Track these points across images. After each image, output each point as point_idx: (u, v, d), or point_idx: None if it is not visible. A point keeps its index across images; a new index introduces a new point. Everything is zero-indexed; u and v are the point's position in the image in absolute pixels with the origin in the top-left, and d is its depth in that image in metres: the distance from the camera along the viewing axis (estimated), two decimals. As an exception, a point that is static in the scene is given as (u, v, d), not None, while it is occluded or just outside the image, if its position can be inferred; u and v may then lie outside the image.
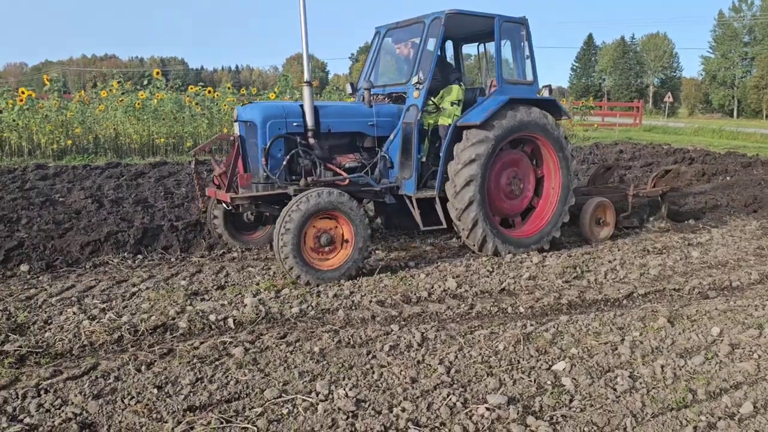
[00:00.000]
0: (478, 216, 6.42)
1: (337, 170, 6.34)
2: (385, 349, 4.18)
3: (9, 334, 4.30)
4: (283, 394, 3.53)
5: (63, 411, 3.31)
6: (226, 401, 3.47)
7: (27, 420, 3.23)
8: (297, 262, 5.44)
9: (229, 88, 17.91)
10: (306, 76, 5.97)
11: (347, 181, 6.28)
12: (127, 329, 4.42)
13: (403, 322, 4.74)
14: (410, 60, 6.92)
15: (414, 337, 4.36)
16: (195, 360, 3.96)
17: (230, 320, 4.68)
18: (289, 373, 3.81)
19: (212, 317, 4.70)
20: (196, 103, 16.01)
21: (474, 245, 6.59)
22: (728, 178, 12.70)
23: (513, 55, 7.16)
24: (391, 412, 3.37)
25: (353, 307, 5.05)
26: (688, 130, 28.74)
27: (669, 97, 43.49)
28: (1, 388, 3.55)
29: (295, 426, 3.22)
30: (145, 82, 16.07)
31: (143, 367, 3.85)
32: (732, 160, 15.00)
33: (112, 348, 4.21)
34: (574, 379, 3.78)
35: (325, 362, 3.97)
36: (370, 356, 4.08)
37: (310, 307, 5.01)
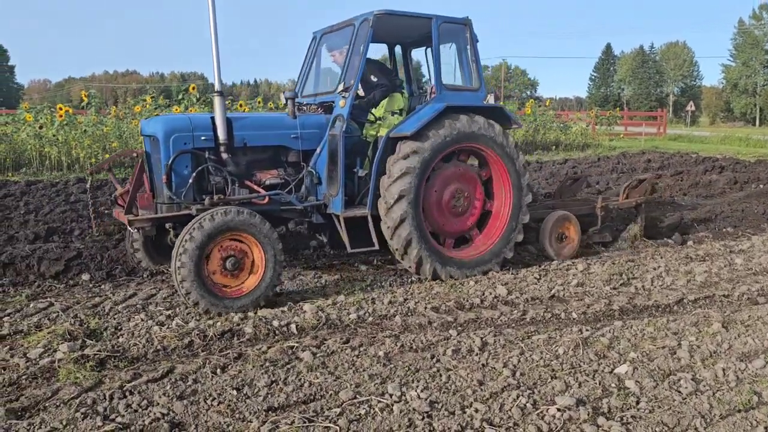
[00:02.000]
0: (412, 235, 5.85)
1: (255, 188, 5.79)
2: (448, 353, 4.29)
3: (85, 339, 4.48)
4: (357, 396, 3.66)
5: (151, 411, 3.47)
6: (304, 402, 3.61)
7: (119, 419, 3.38)
8: (195, 287, 4.94)
9: (259, 103, 18.24)
10: (217, 86, 5.45)
11: (266, 200, 5.72)
12: (197, 334, 4.58)
13: (459, 328, 4.85)
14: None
15: (474, 342, 4.47)
16: (267, 363, 4.10)
17: (293, 326, 4.83)
18: (359, 375, 3.94)
19: (275, 323, 4.86)
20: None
21: (410, 267, 6.03)
22: (761, 186, 12.67)
23: (459, 59, 6.63)
24: (465, 412, 3.48)
25: (409, 314, 5.18)
26: (714, 138, 28.60)
27: (691, 106, 43.30)
28: (88, 389, 3.71)
29: (374, 425, 3.34)
30: (180, 97, 16.43)
31: (218, 370, 4.00)
32: (763, 168, 14.96)
33: (184, 352, 4.37)
34: (638, 381, 3.87)
35: (391, 365, 4.09)
36: (435, 360, 4.20)
37: (367, 314, 5.15)
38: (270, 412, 3.48)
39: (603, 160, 17.05)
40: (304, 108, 6.52)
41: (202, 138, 5.56)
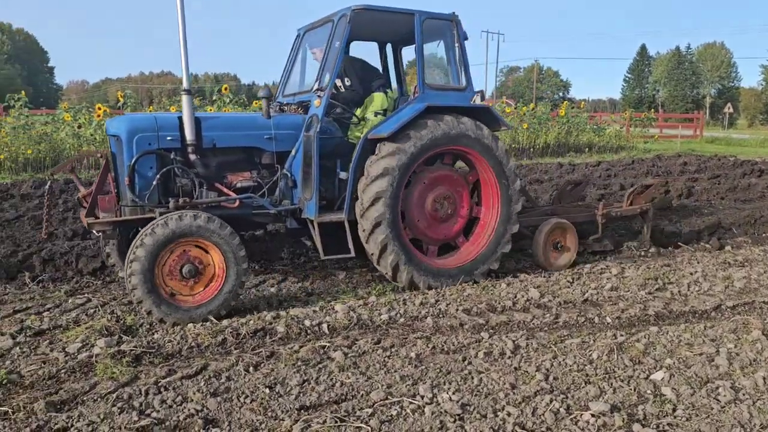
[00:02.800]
0: (388, 239, 5.56)
1: (225, 191, 5.57)
2: (480, 355, 4.26)
3: (122, 335, 4.57)
4: (389, 396, 3.66)
5: (185, 407, 3.52)
6: (335, 402, 3.62)
7: (154, 414, 3.44)
8: (147, 295, 4.73)
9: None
10: (185, 84, 5.26)
11: (237, 203, 5.50)
12: (230, 332, 4.63)
13: (491, 330, 4.82)
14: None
15: (506, 345, 4.43)
16: (299, 362, 4.13)
17: (324, 326, 4.85)
18: (391, 376, 3.94)
19: (307, 322, 4.88)
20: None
21: (387, 273, 5.74)
22: (804, 190, 12.29)
23: (447, 57, 6.30)
24: (497, 416, 3.45)
25: (440, 315, 5.16)
26: (753, 141, 27.91)
27: (729, 108, 42.28)
28: (124, 384, 3.79)
29: (406, 427, 3.34)
30: (214, 98, 16.66)
31: (251, 368, 4.04)
32: (805, 172, 14.51)
33: (218, 350, 4.43)
34: (674, 388, 3.79)
35: (423, 367, 4.08)
36: (466, 362, 4.17)
37: (398, 315, 5.14)
38: (302, 410, 3.50)
39: (637, 163, 16.76)
40: (286, 108, 6.28)
41: (168, 138, 5.32)
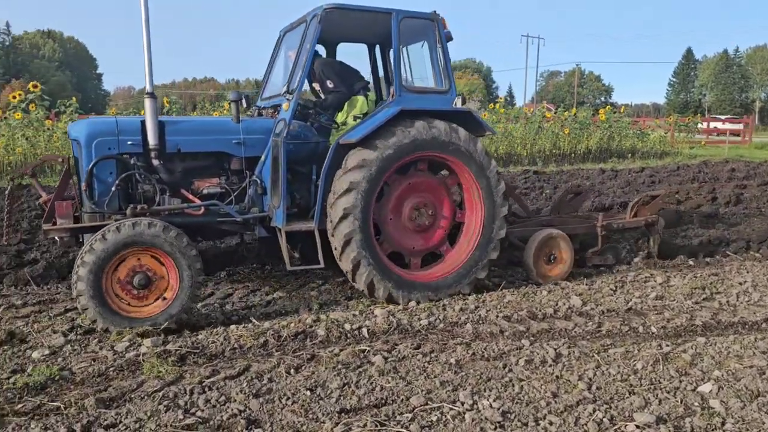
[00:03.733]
0: (361, 256, 5.32)
1: (190, 197, 5.39)
2: (521, 363, 4.23)
3: (167, 335, 4.68)
4: (429, 402, 3.65)
5: (228, 407, 3.58)
6: (375, 406, 3.63)
7: (198, 414, 3.51)
8: (93, 304, 4.56)
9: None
10: (148, 87, 5.08)
11: (202, 210, 5.32)
12: (271, 335, 4.70)
13: (532, 338, 4.77)
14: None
15: (547, 353, 4.38)
16: (339, 366, 4.16)
17: (364, 330, 4.87)
18: (431, 382, 3.94)
19: (347, 326, 4.92)
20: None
21: (363, 290, 5.49)
22: None
23: (431, 58, 5.99)
24: (538, 424, 3.41)
25: (480, 322, 5.13)
26: (806, 147, 26.89)
27: (780, 113, 40.91)
28: (170, 383, 3.87)
29: (446, 433, 3.33)
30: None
31: (292, 371, 4.09)
32: None
33: (260, 351, 4.49)
34: (723, 401, 3.68)
35: (463, 373, 4.07)
36: (507, 369, 4.14)
37: (438, 320, 5.14)
38: (342, 414, 3.53)
39: (683, 169, 16.36)
40: (263, 112, 6.10)
41: (129, 143, 5.15)
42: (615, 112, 23.94)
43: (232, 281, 6.32)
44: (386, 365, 4.17)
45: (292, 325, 4.92)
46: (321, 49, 6.69)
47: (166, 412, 3.50)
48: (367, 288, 5.43)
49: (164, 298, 4.83)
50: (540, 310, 5.39)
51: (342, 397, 3.72)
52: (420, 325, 5.03)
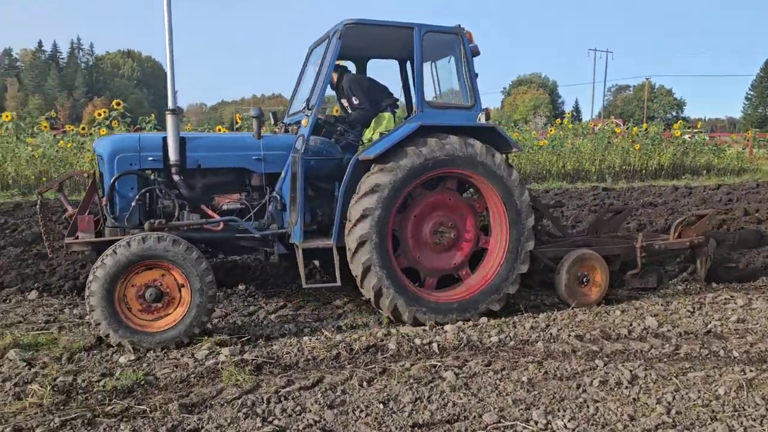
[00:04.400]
0: (372, 261, 5.20)
1: (209, 213, 5.42)
2: (595, 384, 4.15)
3: (243, 345, 4.84)
4: (501, 420, 3.64)
5: (304, 417, 3.67)
6: (448, 421, 3.64)
7: (276, 422, 3.62)
8: (105, 317, 4.58)
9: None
10: (170, 104, 5.20)
11: (221, 226, 5.34)
12: (344, 347, 4.79)
13: (606, 359, 4.67)
14: (332, 85, 6.18)
15: (623, 374, 4.28)
16: (411, 380, 4.19)
17: (434, 345, 4.90)
18: (503, 400, 3.92)
19: (417, 341, 4.96)
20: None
21: (369, 297, 5.36)
22: None
23: (458, 73, 5.86)
24: (615, 447, 3.34)
25: (551, 340, 5.06)
26: None
27: None
28: (248, 391, 4.01)
29: (520, 452, 3.31)
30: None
31: (365, 383, 4.15)
32: None
33: (332, 363, 4.58)
34: (815, 432, 3.51)
35: (535, 392, 4.03)
36: (581, 390, 4.07)
37: (508, 338, 5.10)
38: (415, 428, 3.56)
39: (763, 187, 15.64)
40: (289, 128, 6.14)
41: (150, 159, 5.28)
42: (689, 127, 23.16)
43: (303, 293, 6.46)
44: (457, 381, 4.18)
45: (363, 338, 4.99)
46: (351, 66, 6.79)
47: (245, 420, 3.62)
48: (374, 295, 5.31)
49: (175, 313, 4.82)
50: (613, 331, 5.27)
51: (414, 412, 3.76)
52: (490, 342, 5.01)
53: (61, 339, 4.96)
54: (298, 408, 3.78)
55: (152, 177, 5.34)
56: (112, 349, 4.76)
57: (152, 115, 17.02)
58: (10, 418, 3.61)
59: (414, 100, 5.53)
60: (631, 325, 5.41)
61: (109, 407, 3.76)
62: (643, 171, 20.12)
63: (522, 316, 5.65)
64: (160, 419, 3.61)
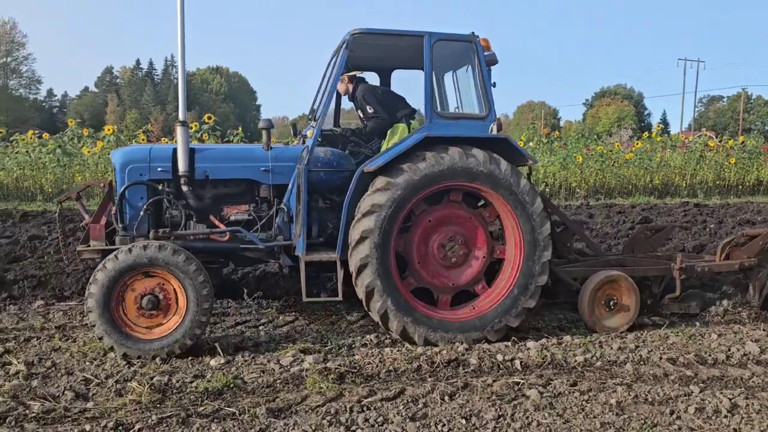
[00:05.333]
0: (375, 284, 5.04)
1: (217, 223, 5.43)
2: (690, 410, 3.95)
3: (326, 354, 4.93)
4: (589, 443, 3.53)
5: (386, 428, 3.70)
6: (532, 441, 3.57)
7: None
8: (101, 321, 4.65)
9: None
10: (181, 116, 5.29)
11: (227, 237, 5.34)
12: (425, 360, 4.79)
13: (702, 384, 4.43)
14: (349, 96, 6.13)
15: (721, 402, 4.06)
16: (493, 396, 4.14)
17: (517, 362, 4.81)
18: (590, 422, 3.80)
19: (499, 357, 4.89)
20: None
21: (378, 320, 5.20)
22: None
23: (475, 82, 5.61)
24: (714, 479, 3.17)
25: (641, 362, 4.86)
26: None
27: None
28: (331, 399, 4.08)
29: (610, 477, 3.19)
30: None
31: (446, 397, 4.13)
32: None
33: (413, 376, 4.59)
34: None
35: (625, 416, 3.88)
36: (674, 416, 3.89)
37: (594, 358, 4.94)
38: (499, 446, 3.50)
39: None
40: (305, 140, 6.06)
41: (159, 169, 5.36)
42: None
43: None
44: (542, 400, 4.08)
45: (444, 351, 4.97)
46: (374, 77, 6.73)
47: (329, 427, 3.69)
48: (381, 319, 5.16)
49: (171, 322, 4.85)
50: (710, 355, 5.00)
51: (497, 429, 3.71)
52: (575, 361, 4.87)
53: (157, 340, 5.22)
54: (381, 419, 3.81)
55: (161, 187, 5.42)
56: (203, 352, 4.96)
57: (239, 128, 17.70)
58: (112, 413, 3.84)
59: (424, 110, 5.41)
60: (729, 350, 5.11)
61: (201, 408, 3.92)
62: (740, 186, 19.05)
63: (608, 336, 5.46)
64: (248, 422, 3.73)
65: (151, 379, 4.31)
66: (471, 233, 5.47)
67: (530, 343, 5.19)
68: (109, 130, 16.53)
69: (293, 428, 3.67)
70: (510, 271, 5.41)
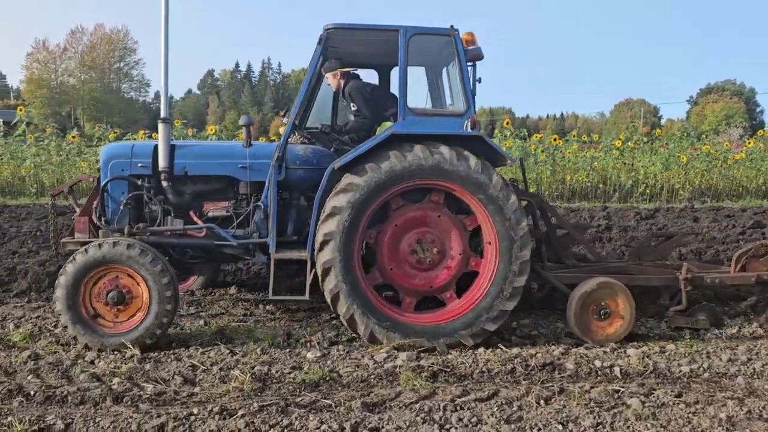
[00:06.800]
0: (340, 287, 4.94)
1: (195, 219, 5.47)
2: (811, 430, 3.67)
3: (420, 352, 4.95)
4: (696, 457, 3.36)
5: (480, 429, 3.68)
6: (634, 452, 3.44)
7: (452, 431, 3.67)
8: (67, 310, 4.80)
9: (574, 136, 18.10)
10: (162, 113, 5.41)
11: (204, 233, 5.38)
12: (519, 362, 4.72)
13: (825, 403, 4.10)
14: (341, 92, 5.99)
15: None
16: (591, 403, 4.02)
17: (616, 369, 4.65)
18: (697, 435, 3.61)
19: (597, 363, 4.74)
20: (542, 151, 16.54)
21: (345, 323, 5.10)
22: None
23: (459, 76, 5.29)
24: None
25: (755, 376, 4.57)
26: None
27: None
28: (424, 397, 4.10)
29: (720, 494, 3.02)
30: (495, 131, 17.24)
31: (542, 401, 4.05)
32: None
33: (507, 378, 4.54)
34: None
35: (736, 432, 3.66)
36: (793, 435, 3.63)
37: (701, 369, 4.69)
38: (598, 454, 3.40)
39: None
40: (305, 138, 6.12)
41: (139, 165, 5.46)
42: None
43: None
44: (644, 410, 3.92)
45: (540, 355, 4.88)
46: (373, 74, 6.61)
47: (422, 425, 3.72)
48: (347, 322, 5.06)
49: (135, 318, 4.95)
50: (834, 372, 4.62)
51: (595, 437, 3.60)
52: (680, 371, 4.64)
53: (257, 331, 5.46)
54: (474, 419, 3.80)
55: (140, 183, 5.53)
56: (299, 344, 5.13)
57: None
58: (217, 398, 4.05)
59: (398, 107, 5.23)
60: None
61: (299, 398, 4.06)
62: None
63: (717, 347, 5.17)
64: (344, 414, 3.82)
65: (253, 368, 4.51)
66: (447, 238, 5.28)
67: (630, 351, 5.00)
68: (211, 129, 17.38)
69: (387, 423, 3.73)
70: (486, 272, 5.20)
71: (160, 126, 5.44)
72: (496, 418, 3.81)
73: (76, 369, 4.49)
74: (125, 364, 4.59)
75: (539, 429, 3.69)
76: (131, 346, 4.81)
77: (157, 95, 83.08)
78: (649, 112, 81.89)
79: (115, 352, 4.82)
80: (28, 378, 4.32)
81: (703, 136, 22.11)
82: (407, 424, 3.72)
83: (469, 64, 5.36)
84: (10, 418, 3.63)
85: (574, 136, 18.39)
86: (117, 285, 4.93)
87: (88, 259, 4.84)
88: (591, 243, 7.14)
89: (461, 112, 5.29)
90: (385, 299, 5.32)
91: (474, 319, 5.10)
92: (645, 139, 18.98)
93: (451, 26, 5.29)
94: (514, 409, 3.95)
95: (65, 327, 4.93)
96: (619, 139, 18.09)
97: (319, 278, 5.08)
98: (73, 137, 16.87)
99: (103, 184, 5.48)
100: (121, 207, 5.43)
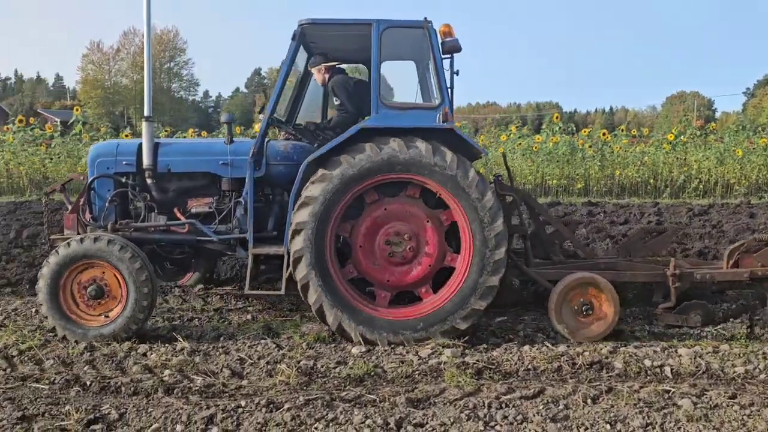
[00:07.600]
0: (309, 277, 4.95)
1: (178, 215, 5.54)
2: None
3: (465, 349, 4.93)
4: (751, 461, 3.25)
5: (526, 427, 3.65)
6: (685, 454, 3.36)
7: (497, 428, 3.65)
8: (48, 305, 4.96)
9: (622, 131, 17.69)
10: (146, 112, 5.45)
11: (186, 229, 5.48)
12: (566, 360, 4.66)
13: None
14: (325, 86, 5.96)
15: None
16: (640, 403, 3.93)
17: (667, 369, 4.54)
18: (753, 439, 3.50)
19: (647, 362, 4.64)
20: (590, 146, 16.24)
21: (315, 313, 5.09)
22: None
23: (433, 68, 5.29)
24: None
25: (815, 378, 4.39)
26: None
27: None
28: (469, 394, 4.09)
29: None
30: (543, 126, 16.99)
31: (589, 401, 3.99)
32: None
33: (553, 376, 4.49)
34: None
35: (795, 436, 3.53)
36: None
37: (757, 370, 4.54)
38: (647, 455, 3.33)
39: None
40: (289, 135, 6.06)
41: (124, 163, 5.58)
42: None
43: (520, 302, 6.40)
44: (695, 411, 3.82)
45: (587, 353, 4.80)
46: (363, 71, 6.55)
47: (467, 421, 3.71)
48: (317, 312, 5.07)
49: (114, 311, 5.08)
50: None
51: (645, 438, 3.52)
52: (734, 372, 4.50)
53: (303, 326, 5.54)
54: (520, 417, 3.77)
55: (125, 180, 5.65)
56: (345, 339, 5.18)
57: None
58: (264, 391, 4.14)
59: (371, 101, 5.20)
60: None
61: (344, 393, 4.11)
62: None
63: (775, 347, 4.98)
64: (388, 410, 3.84)
65: (298, 362, 4.58)
66: (422, 233, 5.23)
67: (682, 350, 4.87)
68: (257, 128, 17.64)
69: (432, 419, 3.73)
70: (460, 270, 5.15)
71: (144, 124, 5.54)
72: (541, 416, 3.77)
73: (129, 361, 4.65)
74: (176, 356, 4.72)
75: (586, 428, 3.64)
76: (115, 340, 4.96)
77: (206, 94, 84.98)
78: (702, 105, 79.14)
79: (166, 345, 4.98)
80: (85, 369, 4.50)
81: (761, 129, 21.20)
82: (451, 420, 3.72)
83: (447, 56, 5.34)
84: (67, 407, 3.78)
85: (622, 130, 17.97)
86: (96, 279, 5.08)
87: (70, 252, 5.00)
88: (584, 239, 7.14)
89: (434, 105, 5.30)
90: (366, 294, 5.35)
91: (445, 316, 5.07)
92: (698, 133, 18.39)
93: (425, 18, 5.27)
94: (561, 407, 3.90)
95: (46, 317, 5.11)
96: (672, 132, 17.57)
97: (291, 266, 5.12)
98: (126, 135, 17.38)
99: (89, 181, 5.65)
100: (107, 204, 5.59)
